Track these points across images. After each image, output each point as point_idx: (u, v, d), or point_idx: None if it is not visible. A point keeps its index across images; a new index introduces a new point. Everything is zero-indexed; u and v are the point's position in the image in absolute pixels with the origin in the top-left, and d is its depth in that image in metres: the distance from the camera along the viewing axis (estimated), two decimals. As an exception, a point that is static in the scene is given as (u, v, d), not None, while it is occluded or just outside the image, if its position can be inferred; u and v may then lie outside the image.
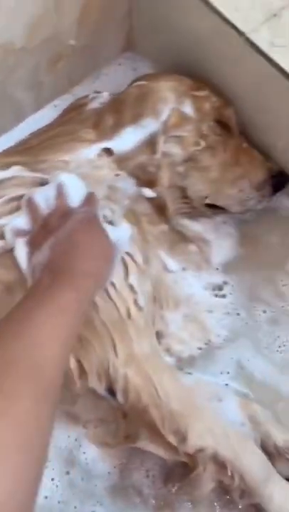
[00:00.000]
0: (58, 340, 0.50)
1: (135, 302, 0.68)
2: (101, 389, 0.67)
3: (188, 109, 0.78)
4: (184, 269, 0.83)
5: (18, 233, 0.65)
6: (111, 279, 0.64)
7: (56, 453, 0.75)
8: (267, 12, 0.73)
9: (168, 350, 0.80)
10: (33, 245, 0.63)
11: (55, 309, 0.52)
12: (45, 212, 0.64)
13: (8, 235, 0.65)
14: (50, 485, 0.74)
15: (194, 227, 0.87)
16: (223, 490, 0.71)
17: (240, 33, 0.72)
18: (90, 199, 0.66)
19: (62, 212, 0.63)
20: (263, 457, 0.70)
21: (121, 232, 0.68)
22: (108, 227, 0.65)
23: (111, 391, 0.67)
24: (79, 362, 0.66)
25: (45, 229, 0.62)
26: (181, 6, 0.79)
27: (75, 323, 0.53)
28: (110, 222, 0.69)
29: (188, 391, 0.69)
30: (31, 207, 0.65)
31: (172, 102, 0.77)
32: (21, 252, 0.64)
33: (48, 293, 0.53)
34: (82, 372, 0.66)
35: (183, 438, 0.67)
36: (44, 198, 0.65)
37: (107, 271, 0.62)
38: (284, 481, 0.70)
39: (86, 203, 0.65)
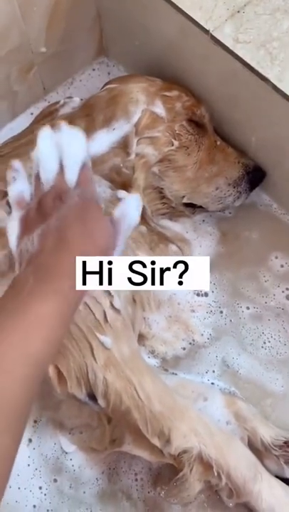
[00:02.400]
0: (28, 362, 0.45)
1: (111, 305, 0.67)
2: (81, 394, 0.67)
3: (159, 109, 0.78)
4: (164, 269, 0.83)
5: (19, 204, 0.61)
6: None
7: (43, 461, 0.74)
8: (231, 9, 0.73)
9: (152, 352, 0.80)
10: (25, 227, 0.58)
11: (33, 322, 0.47)
12: (44, 189, 0.59)
13: (10, 204, 0.61)
14: (38, 494, 0.73)
15: (173, 227, 0.87)
16: (212, 490, 0.71)
17: (205, 31, 0.72)
18: (84, 173, 0.60)
19: (58, 193, 0.57)
20: (250, 455, 0.69)
21: (126, 206, 0.62)
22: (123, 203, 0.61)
23: (92, 396, 0.67)
24: (57, 368, 0.66)
25: (38, 210, 0.57)
26: (147, 8, 0.79)
27: (54, 338, 0.48)
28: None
29: (170, 392, 0.69)
30: (37, 182, 0.60)
31: (143, 104, 0.77)
32: (13, 233, 0.59)
33: (30, 299, 0.48)
34: (61, 378, 0.66)
35: (167, 440, 0.66)
36: (44, 171, 0.60)
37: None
38: (273, 479, 0.69)
39: (81, 179, 0.59)
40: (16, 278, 0.53)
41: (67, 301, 0.50)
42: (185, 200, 0.84)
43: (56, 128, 0.62)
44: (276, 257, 0.86)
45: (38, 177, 0.60)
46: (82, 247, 0.53)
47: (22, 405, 0.45)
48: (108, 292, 0.68)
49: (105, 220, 0.57)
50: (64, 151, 0.60)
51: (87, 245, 0.53)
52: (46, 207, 0.56)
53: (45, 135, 0.61)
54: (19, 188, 0.62)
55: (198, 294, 0.84)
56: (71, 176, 0.59)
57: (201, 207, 0.86)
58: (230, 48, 0.71)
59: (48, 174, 0.59)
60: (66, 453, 0.74)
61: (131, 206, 0.62)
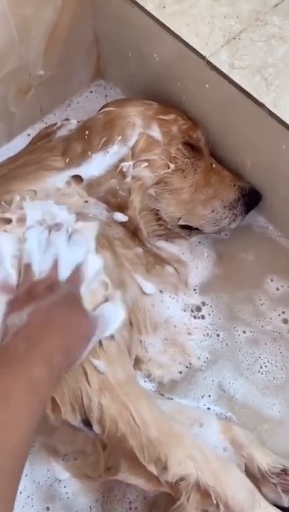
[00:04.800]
0: (25, 419, 0.50)
1: (107, 330, 0.67)
2: (76, 421, 0.65)
3: (155, 133, 0.78)
4: (161, 291, 0.83)
5: (4, 288, 0.64)
6: (83, 358, 0.63)
7: (35, 488, 0.73)
8: (226, 35, 0.74)
9: (148, 376, 0.79)
10: (13, 306, 0.62)
11: (28, 384, 0.52)
12: (35, 278, 0.64)
13: None
14: (30, 523, 0.72)
15: (170, 248, 0.87)
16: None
17: (202, 57, 0.73)
18: (76, 274, 0.66)
19: (50, 284, 0.63)
20: (248, 482, 0.68)
21: (112, 313, 0.66)
22: (104, 306, 0.65)
23: (86, 422, 0.65)
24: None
25: (29, 294, 0.62)
26: (144, 33, 0.80)
27: (44, 399, 0.54)
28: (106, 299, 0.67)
29: (166, 418, 0.67)
30: (27, 271, 0.64)
31: (140, 127, 0.78)
32: None
33: (21, 364, 0.54)
34: (55, 404, 0.65)
35: (164, 467, 0.65)
36: (39, 263, 0.65)
37: (81, 350, 0.62)
38: (271, 507, 0.68)
39: (72, 278, 0.65)
40: (4, 346, 0.58)
41: (54, 368, 0.56)
42: (181, 222, 0.84)
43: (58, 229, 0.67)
44: (272, 280, 0.86)
45: (28, 266, 0.64)
46: (67, 327, 0.60)
47: (18, 457, 0.49)
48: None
49: (87, 320, 0.63)
50: (62, 252, 0.65)
51: (70, 330, 0.60)
52: (37, 292, 0.62)
53: (35, 234, 0.67)
54: (3, 273, 0.65)
55: (194, 317, 0.83)
56: (65, 274, 0.64)
57: (197, 229, 0.86)
58: (226, 73, 0.71)
59: (43, 267, 0.64)
60: (59, 480, 0.72)
61: (111, 315, 0.66)
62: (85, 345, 0.62)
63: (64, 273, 0.64)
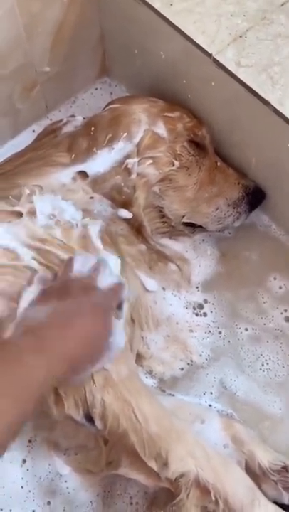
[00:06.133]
0: (8, 414, 0.47)
1: (111, 325, 0.67)
2: (78, 416, 0.66)
3: (161, 130, 0.79)
4: (163, 288, 0.83)
5: (43, 281, 0.64)
6: (81, 376, 0.62)
7: (36, 482, 0.73)
8: (233, 34, 0.74)
9: (150, 372, 0.79)
10: (41, 297, 0.61)
11: (22, 382, 0.50)
12: (73, 275, 0.63)
13: (35, 280, 0.64)
14: (31, 517, 0.72)
15: (173, 246, 0.87)
16: (209, 515, 0.70)
17: (208, 55, 0.73)
18: (116, 289, 0.65)
19: (86, 286, 0.62)
20: (248, 479, 0.68)
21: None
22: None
23: (89, 417, 0.66)
24: (55, 388, 0.65)
25: (61, 290, 0.61)
26: (150, 31, 0.80)
27: (30, 399, 0.50)
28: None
29: (167, 414, 0.68)
30: (67, 265, 0.64)
31: (145, 124, 0.78)
32: (25, 304, 0.62)
33: (24, 361, 0.51)
34: (59, 398, 0.65)
35: (164, 463, 0.65)
36: (81, 263, 0.64)
37: (84, 366, 0.60)
38: (270, 504, 0.68)
39: (110, 292, 0.64)
40: (11, 341, 0.55)
41: (51, 374, 0.52)
42: (185, 220, 0.84)
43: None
44: (275, 278, 0.86)
45: (71, 263, 0.64)
46: (82, 339, 0.57)
47: None
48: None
49: (109, 332, 0.61)
50: (105, 262, 0.66)
51: (87, 340, 0.58)
52: (69, 291, 0.60)
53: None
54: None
55: (196, 314, 0.83)
56: (104, 282, 0.64)
57: (200, 226, 0.86)
58: (233, 71, 0.72)
59: (84, 269, 0.64)
60: (60, 475, 0.73)
61: (118, 333, 0.65)
62: (89, 366, 0.61)
63: (103, 281, 0.63)
